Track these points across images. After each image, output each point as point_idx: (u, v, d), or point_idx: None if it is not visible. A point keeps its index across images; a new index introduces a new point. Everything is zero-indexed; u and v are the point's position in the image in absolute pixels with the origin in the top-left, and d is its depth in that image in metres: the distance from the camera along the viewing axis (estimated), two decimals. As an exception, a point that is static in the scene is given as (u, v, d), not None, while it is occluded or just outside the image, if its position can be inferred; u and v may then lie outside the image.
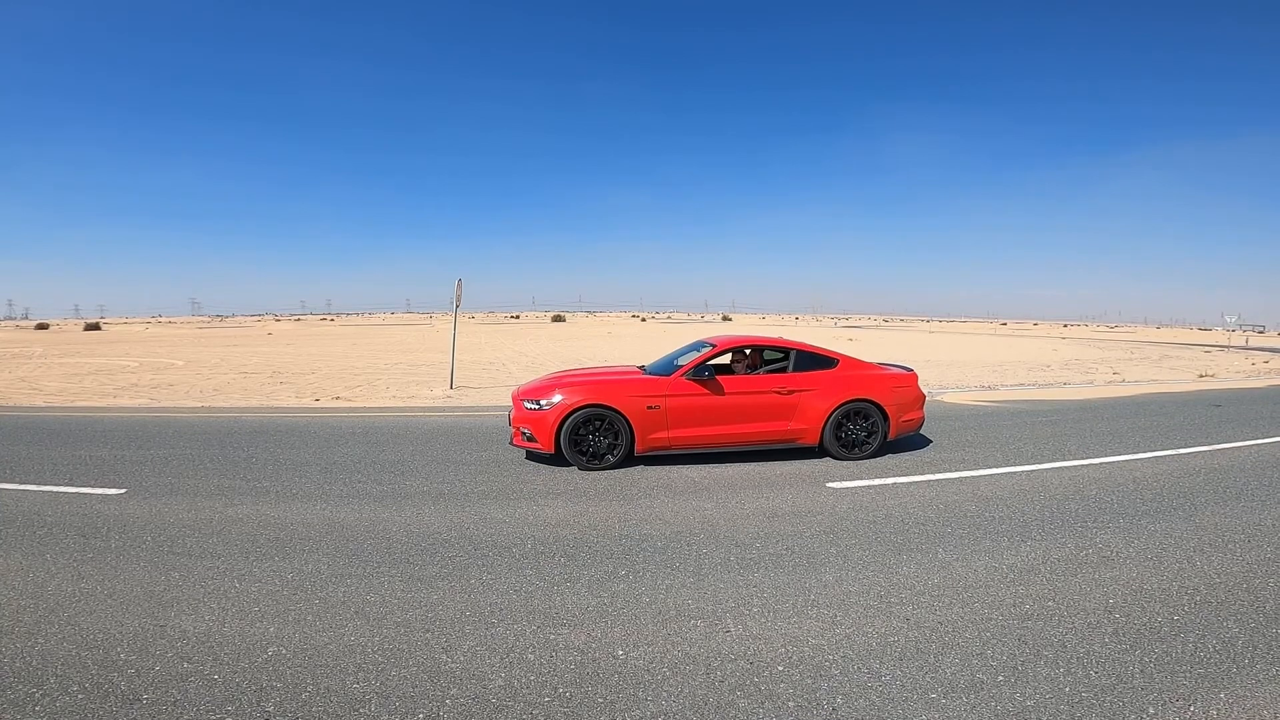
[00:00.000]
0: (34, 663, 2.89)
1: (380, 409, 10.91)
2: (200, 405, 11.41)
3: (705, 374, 6.91)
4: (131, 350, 30.20)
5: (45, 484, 5.92)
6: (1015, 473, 6.61)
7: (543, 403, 6.64)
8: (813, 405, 6.95)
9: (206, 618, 3.37)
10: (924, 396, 7.64)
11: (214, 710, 2.58)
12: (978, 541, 4.61)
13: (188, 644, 3.09)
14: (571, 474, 6.31)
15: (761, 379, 7.14)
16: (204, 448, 7.58)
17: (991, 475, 6.51)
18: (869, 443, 7.07)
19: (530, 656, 3.02)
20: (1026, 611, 3.52)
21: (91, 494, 5.63)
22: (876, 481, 6.20)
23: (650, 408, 6.65)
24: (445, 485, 5.98)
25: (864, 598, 3.69)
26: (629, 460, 6.70)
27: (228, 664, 2.93)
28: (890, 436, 7.17)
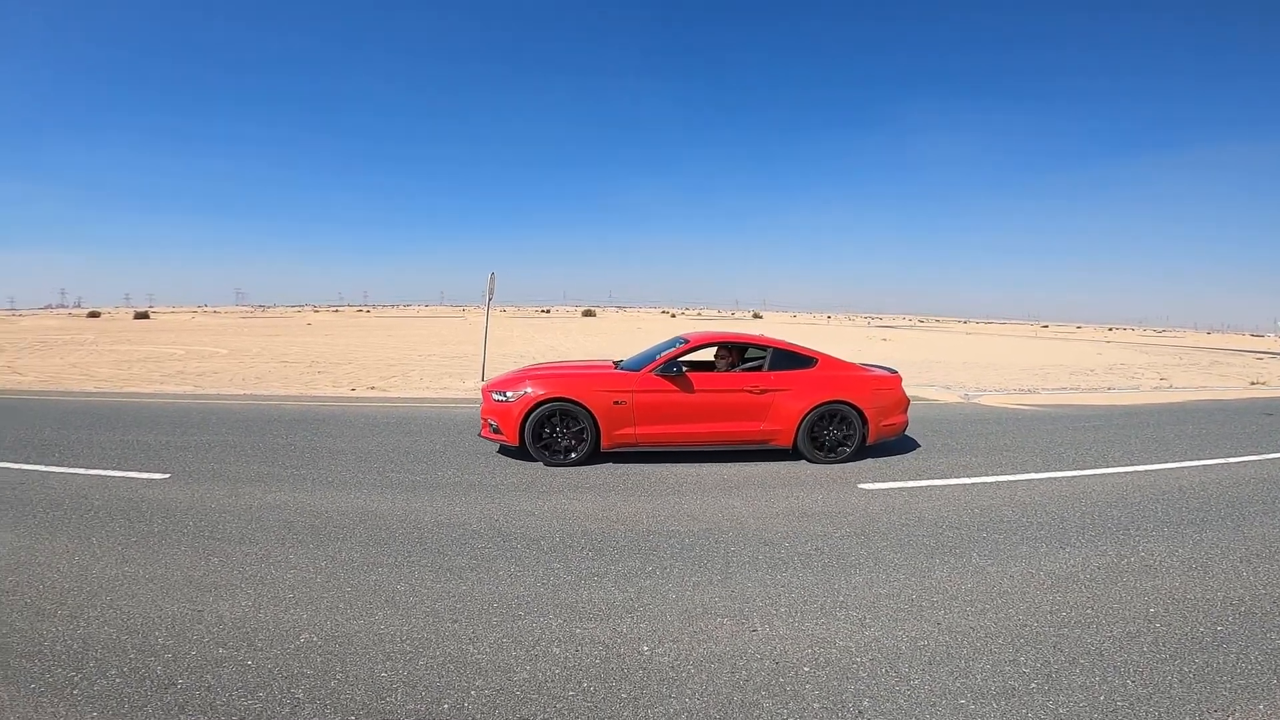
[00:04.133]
0: (75, 646, 2.97)
1: (414, 399, 11.10)
2: (243, 393, 11.74)
3: (674, 370, 6.69)
4: (178, 339, 31.24)
5: (94, 468, 6.14)
6: (1056, 478, 6.44)
7: (509, 394, 6.58)
8: (787, 406, 6.73)
9: (243, 603, 3.44)
10: (907, 400, 7.38)
11: (245, 696, 2.63)
12: (1014, 547, 4.51)
13: (224, 629, 3.17)
14: (600, 470, 6.32)
15: (735, 377, 6.95)
16: (245, 435, 7.80)
17: (1030, 480, 6.35)
18: (845, 446, 6.83)
19: (556, 650, 3.03)
20: (1063, 619, 3.45)
21: (137, 478, 5.82)
22: (910, 484, 6.09)
23: (616, 403, 6.52)
24: (476, 476, 6.05)
25: (895, 601, 3.64)
26: (595, 457, 6.59)
27: (261, 650, 2.99)
28: (870, 440, 6.92)
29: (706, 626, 3.30)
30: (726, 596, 3.66)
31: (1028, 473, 6.61)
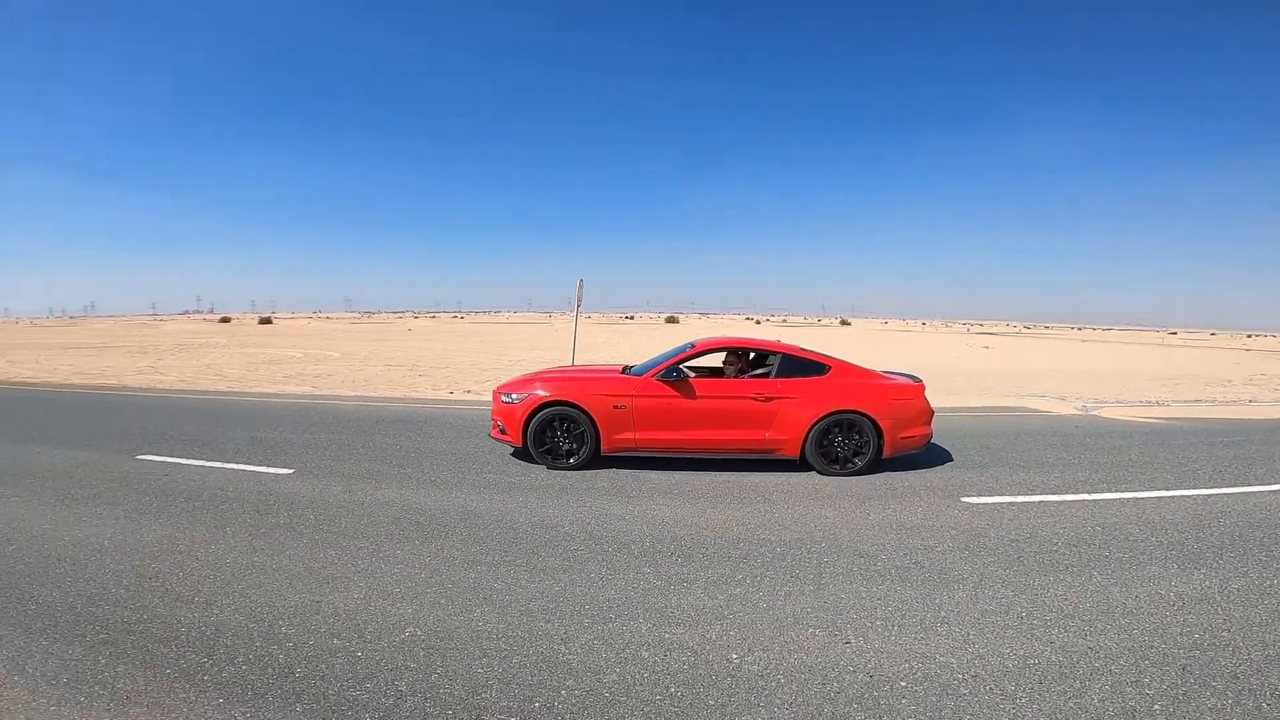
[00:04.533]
0: (208, 632, 3.21)
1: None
2: (353, 394, 12.59)
3: (675, 375, 6.60)
4: (296, 343, 33.90)
5: (228, 462, 6.74)
6: (1189, 496, 5.88)
7: (515, 397, 6.67)
8: (794, 414, 6.45)
9: (355, 596, 3.64)
10: (931, 411, 6.83)
11: (354, 687, 2.77)
12: (1141, 567, 4.18)
13: (339, 621, 3.35)
14: (690, 476, 6.30)
15: (739, 383, 6.72)
16: (357, 434, 8.33)
17: (1159, 498, 5.83)
18: (858, 459, 6.45)
19: (645, 654, 3.05)
20: (1194, 641, 3.20)
21: (265, 472, 6.34)
22: (1021, 499, 5.74)
23: (617, 407, 6.49)
24: (568, 480, 6.16)
25: (1002, 618, 3.46)
26: (595, 461, 6.59)
27: (371, 642, 3.14)
28: (885, 454, 6.48)
29: (797, 636, 3.25)
30: (818, 607, 3.58)
31: (1156, 490, 6.07)
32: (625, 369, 7.31)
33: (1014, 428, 9.49)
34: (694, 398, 6.54)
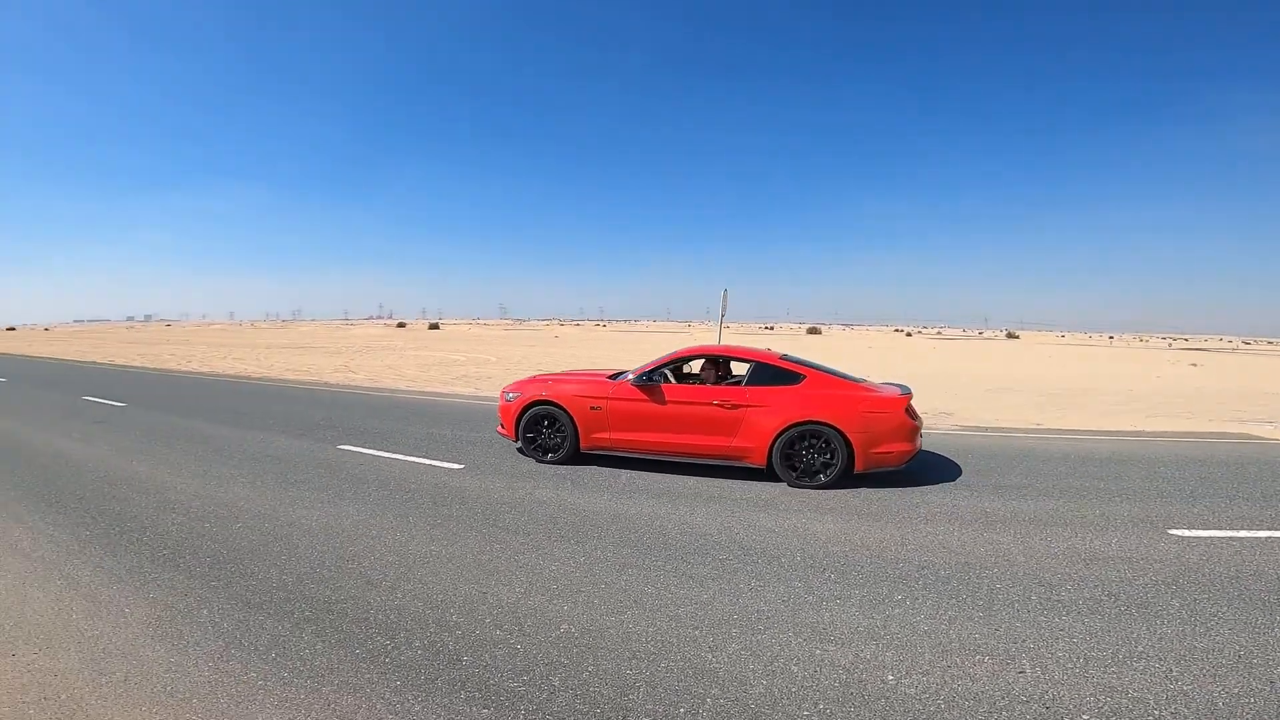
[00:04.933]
0: (391, 616, 3.48)
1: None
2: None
3: (648, 380, 6.85)
4: (459, 347, 36.94)
5: (409, 455, 7.40)
6: None
7: (512, 395, 7.30)
8: (760, 423, 6.39)
9: (517, 590, 3.81)
10: (913, 426, 6.39)
11: (512, 679, 2.89)
12: None
13: (502, 613, 3.52)
14: (844, 495, 6.04)
15: (708, 390, 6.74)
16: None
17: None
18: (826, 472, 6.22)
19: (794, 668, 2.98)
20: None
21: (440, 466, 6.89)
22: (1243, 534, 4.98)
23: (594, 408, 6.88)
24: (715, 489, 6.13)
25: (1215, 655, 3.09)
26: (576, 457, 7.02)
27: (529, 636, 3.28)
28: (858, 468, 6.20)
29: (962, 662, 3.06)
30: (988, 634, 3.33)
31: None
32: (616, 374, 7.38)
33: (1231, 455, 8.14)
34: (664, 403, 6.75)
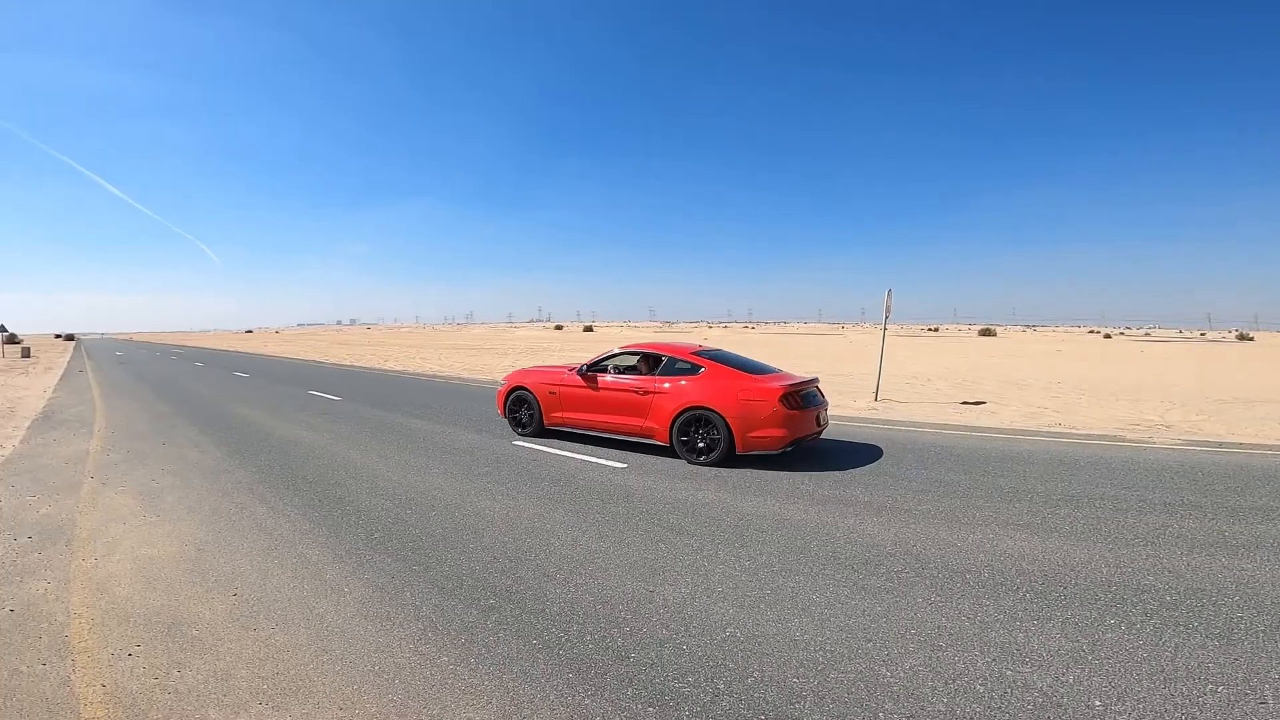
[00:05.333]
0: (565, 609, 3.60)
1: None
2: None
3: (588, 371, 8.30)
4: (610, 349, 38.20)
5: (576, 452, 7.75)
6: None
7: (502, 383, 9.40)
8: (663, 407, 7.42)
9: (683, 590, 3.82)
10: (788, 414, 6.89)
11: (677, 679, 2.88)
12: None
13: (668, 612, 3.53)
14: (1037, 507, 5.45)
15: (629, 380, 7.92)
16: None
17: None
18: (712, 452, 7.02)
19: (979, 688, 2.79)
20: None
21: (606, 465, 7.13)
22: None
23: (551, 393, 8.59)
24: (885, 498, 5.80)
25: None
26: (542, 432, 8.71)
27: (695, 637, 3.26)
28: (738, 450, 6.95)
29: (1189, 690, 2.77)
30: (1223, 663, 2.97)
31: None
32: (579, 367, 8.65)
33: None
34: (598, 390, 8.12)
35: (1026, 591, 3.78)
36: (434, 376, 19.53)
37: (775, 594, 3.76)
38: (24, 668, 3.04)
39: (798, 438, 7.01)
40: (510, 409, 9.05)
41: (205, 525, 5.09)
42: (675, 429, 7.29)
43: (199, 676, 2.95)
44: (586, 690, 2.80)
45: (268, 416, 11.17)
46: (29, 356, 36.66)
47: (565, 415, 8.46)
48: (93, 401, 14.05)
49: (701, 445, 7.13)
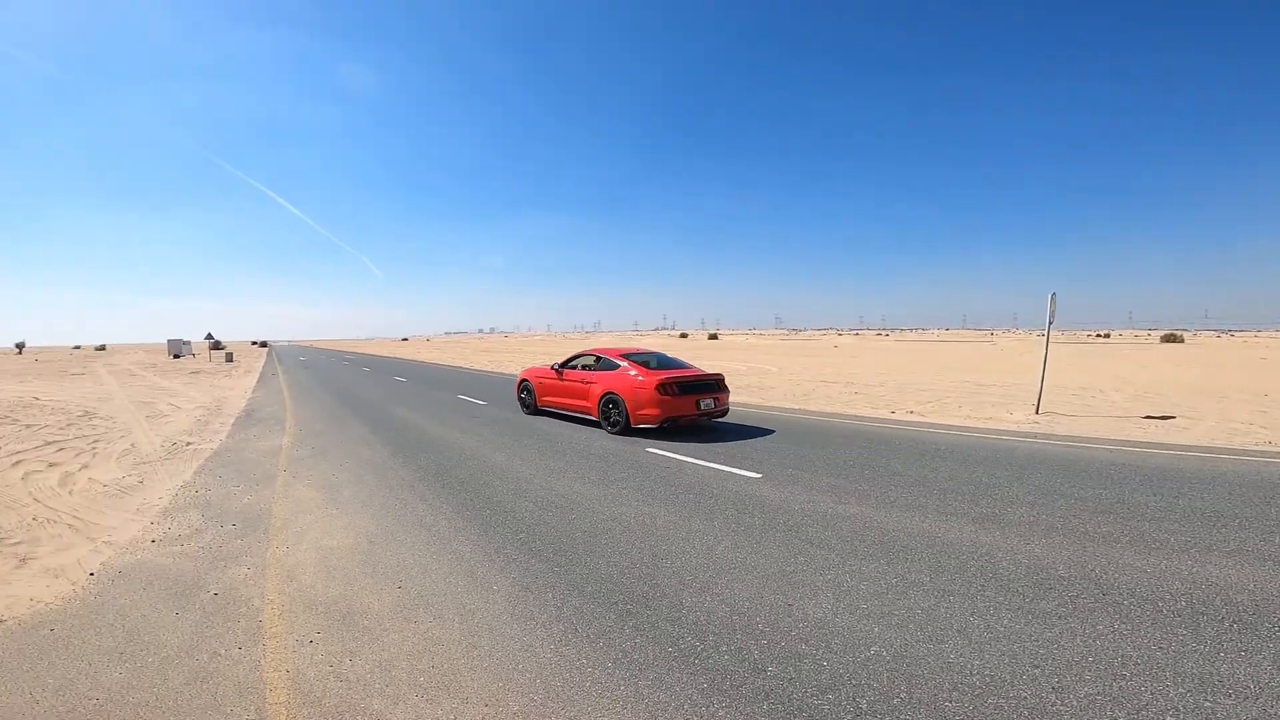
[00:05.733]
0: (701, 618, 3.58)
1: (958, 427, 10.46)
2: (797, 407, 13.29)
3: (561, 368, 11.66)
4: (739, 356, 37.87)
5: (709, 460, 7.72)
6: None
7: (518, 375, 13.34)
8: (595, 394, 10.36)
9: (823, 605, 3.69)
10: (659, 398, 9.28)
11: (817, 695, 2.80)
12: None
13: (807, 627, 3.44)
14: (1247, 534, 4.76)
15: (582, 374, 11.05)
16: (811, 447, 8.67)
17: None
18: (616, 425, 9.77)
19: (1169, 719, 2.61)
20: None
21: (740, 474, 7.03)
22: None
23: (540, 383, 12.07)
24: (1055, 519, 5.30)
25: None
26: (537, 412, 12.24)
27: (836, 653, 3.15)
28: (632, 424, 9.57)
29: None
30: None
31: None
32: (555, 365, 12.13)
33: None
34: (564, 380, 11.36)
35: (1232, 622, 3.38)
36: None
37: (926, 614, 3.56)
38: (222, 651, 3.36)
39: (670, 417, 9.41)
40: (520, 394, 12.84)
41: (376, 519, 5.60)
42: (600, 409, 10.19)
43: (366, 666, 3.18)
44: (721, 701, 2.78)
45: (424, 419, 12.17)
46: (232, 361, 43.02)
47: (547, 399, 11.95)
48: (283, 402, 16.06)
49: (613, 420, 9.87)
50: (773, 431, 9.95)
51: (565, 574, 4.24)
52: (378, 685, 3.01)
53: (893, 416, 11.81)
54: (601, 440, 9.32)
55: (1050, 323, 11.97)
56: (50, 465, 7.97)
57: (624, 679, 2.98)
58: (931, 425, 10.67)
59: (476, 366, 32.58)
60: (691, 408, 9.43)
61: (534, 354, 44.56)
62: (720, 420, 11.10)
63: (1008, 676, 2.92)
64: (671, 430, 9.83)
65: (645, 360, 10.46)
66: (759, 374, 23.31)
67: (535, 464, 7.71)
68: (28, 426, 11.34)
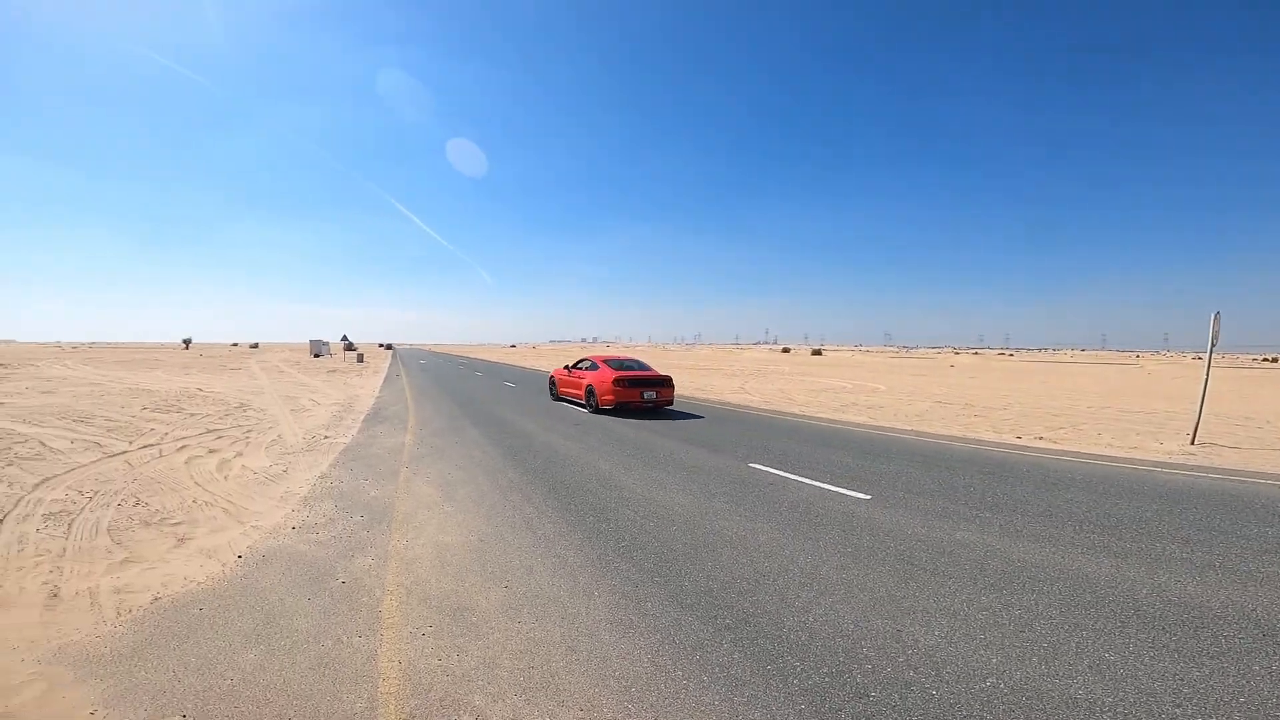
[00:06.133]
0: (803, 637, 3.48)
1: (1095, 456, 9.52)
2: (908, 428, 12.60)
3: (571, 368, 17.09)
4: (843, 374, 36.48)
5: (814, 479, 7.49)
6: None
7: (551, 371, 23.93)
8: (583, 385, 15.48)
9: (935, 633, 3.51)
10: (615, 389, 14.17)
11: None
12: None
13: (916, 654, 3.28)
14: None
15: (579, 371, 16.54)
16: (924, 469, 8.24)
17: None
18: (593, 406, 14.84)
19: None
20: None
21: (845, 494, 6.78)
22: None
23: (559, 378, 17.75)
24: (1212, 555, 4.84)
25: None
26: (557, 399, 17.73)
27: (947, 683, 3.00)
28: (600, 406, 14.54)
29: None
30: None
31: None
32: (566, 365, 18.19)
33: None
34: (571, 376, 16.78)
35: None
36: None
37: (1054, 648, 3.34)
38: (345, 638, 3.56)
39: (622, 402, 14.17)
40: (550, 385, 18.55)
41: (486, 518, 5.86)
42: (585, 395, 15.15)
43: (472, 662, 3.30)
44: (820, 723, 2.70)
45: (532, 423, 12.65)
46: (363, 361, 46.92)
47: (562, 390, 17.39)
48: (406, 402, 17.20)
49: (591, 404, 14.82)
50: (882, 453, 9.51)
51: (665, 585, 4.24)
52: (480, 681, 3.11)
53: (1018, 442, 10.93)
54: (704, 454, 9.27)
55: (1213, 345, 10.69)
56: (210, 451, 8.99)
57: (719, 694, 2.95)
58: (1064, 453, 9.78)
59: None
60: (637, 397, 14.31)
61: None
62: (818, 435, 10.74)
63: (1143, 713, 2.75)
64: (634, 414, 14.42)
65: (620, 364, 15.93)
66: (867, 392, 22.34)
67: (638, 474, 7.79)
68: (191, 415, 12.88)
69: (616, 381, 14.22)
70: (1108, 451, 9.94)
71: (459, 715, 2.84)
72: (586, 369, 15.98)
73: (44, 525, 5.42)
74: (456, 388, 22.91)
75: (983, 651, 3.31)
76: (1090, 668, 3.14)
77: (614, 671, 3.17)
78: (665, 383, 14.92)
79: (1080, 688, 2.96)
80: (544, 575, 4.45)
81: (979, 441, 10.91)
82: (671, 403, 14.93)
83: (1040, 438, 11.37)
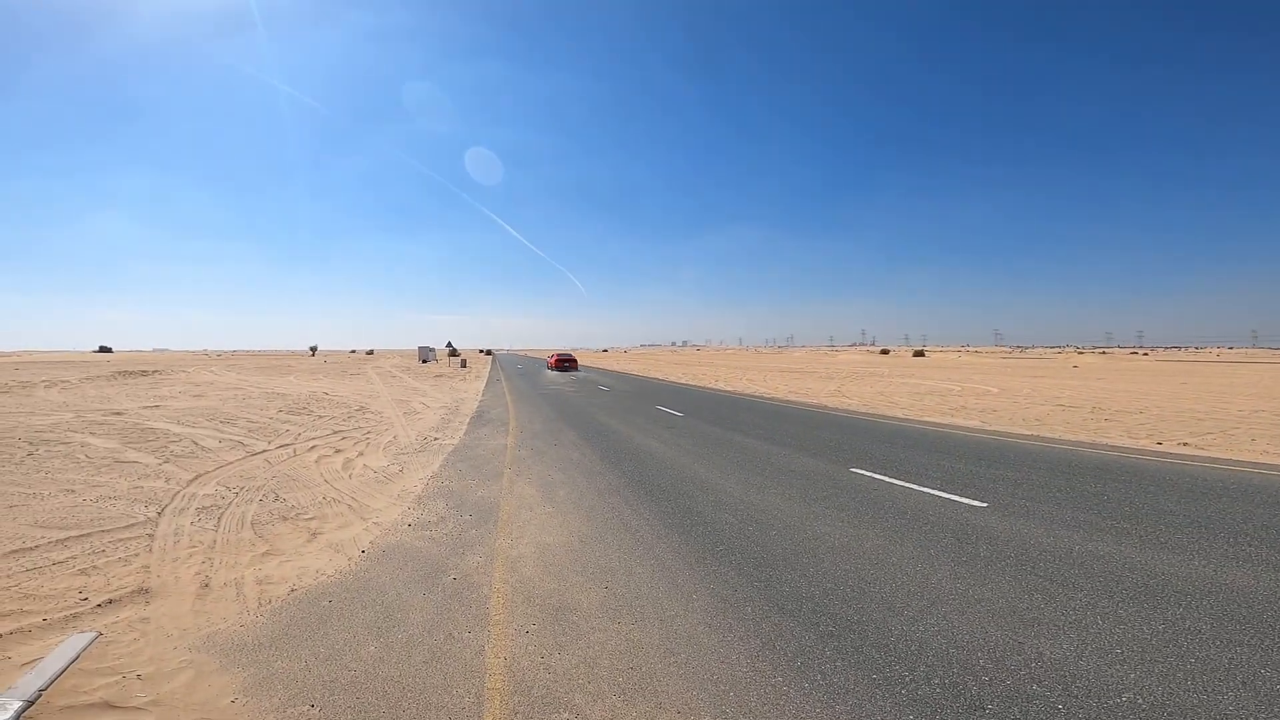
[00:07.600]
0: (912, 648, 3.34)
1: (1251, 464, 8.48)
2: (1028, 433, 11.70)
3: (555, 357, 48.13)
4: (950, 375, 34.42)
5: (923, 485, 7.14)
6: None
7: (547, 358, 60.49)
8: (551, 364, 46.47)
9: (1063, 646, 3.32)
10: (552, 364, 45.68)
11: None
12: None
13: (1041, 668, 3.11)
14: None
15: (553, 360, 46.91)
16: (1049, 475, 7.66)
17: None
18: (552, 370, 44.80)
19: None
20: None
21: (959, 502, 6.42)
22: None
23: (547, 360, 61.48)
24: None
25: None
26: (550, 369, 42.39)
27: (1076, 698, 2.84)
28: (550, 366, 46.88)
29: None
30: None
31: None
32: (552, 355, 52.35)
33: None
34: (550, 360, 48.56)
35: None
36: (760, 398, 20.20)
37: (1201, 663, 3.10)
38: (456, 634, 3.69)
39: (553, 368, 44.31)
40: (547, 362, 52.06)
41: (586, 520, 5.98)
42: (555, 364, 45.34)
43: (572, 661, 3.35)
44: (931, 735, 2.59)
45: (627, 427, 12.83)
46: (466, 367, 50.59)
47: (549, 366, 46.46)
48: (507, 406, 17.93)
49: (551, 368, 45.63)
50: (998, 458, 8.90)
51: (764, 590, 4.17)
52: (580, 681, 3.15)
53: (1158, 448, 9.90)
54: (802, 457, 9.04)
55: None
56: (336, 451, 9.76)
57: (821, 702, 2.88)
58: (1213, 460, 8.77)
59: (671, 378, 33.59)
60: (560, 366, 44.18)
61: (728, 368, 44.81)
62: (924, 440, 10.22)
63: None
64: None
65: (561, 355, 47.91)
66: (977, 395, 20.96)
67: (735, 478, 7.71)
68: (319, 417, 14.03)
69: (554, 358, 45.53)
70: (1265, 458, 8.82)
71: (560, 713, 2.89)
72: (553, 356, 46.49)
73: (197, 518, 6.02)
74: (553, 392, 23.67)
75: (1118, 666, 3.10)
76: (1242, 684, 2.94)
77: (712, 675, 3.15)
78: (573, 364, 45.51)
79: (1231, 703, 2.78)
80: (643, 577, 4.48)
81: (1111, 447, 9.96)
82: (577, 369, 39.08)
83: (1184, 444, 10.24)
